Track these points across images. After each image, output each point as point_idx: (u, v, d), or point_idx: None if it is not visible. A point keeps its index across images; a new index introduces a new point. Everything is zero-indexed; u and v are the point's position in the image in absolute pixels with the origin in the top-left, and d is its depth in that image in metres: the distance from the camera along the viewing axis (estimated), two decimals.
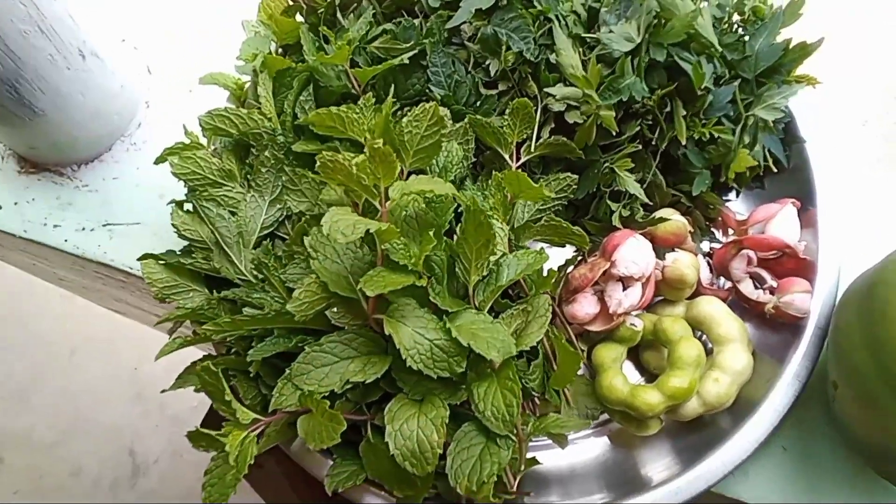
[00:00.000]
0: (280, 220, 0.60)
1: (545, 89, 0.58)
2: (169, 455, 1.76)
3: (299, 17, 0.70)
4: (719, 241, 0.68)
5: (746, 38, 0.60)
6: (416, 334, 0.48)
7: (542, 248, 0.55)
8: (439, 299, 0.49)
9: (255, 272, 0.56)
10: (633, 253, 0.57)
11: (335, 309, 0.50)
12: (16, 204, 0.75)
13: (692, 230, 0.63)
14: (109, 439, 1.85)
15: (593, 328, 0.59)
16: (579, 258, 0.62)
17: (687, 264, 0.59)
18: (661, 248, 0.64)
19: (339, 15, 0.67)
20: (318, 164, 0.48)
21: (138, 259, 0.60)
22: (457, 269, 0.52)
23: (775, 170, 0.64)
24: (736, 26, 0.63)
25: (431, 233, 0.48)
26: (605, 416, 0.61)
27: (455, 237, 0.51)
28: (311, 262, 0.50)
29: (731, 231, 0.66)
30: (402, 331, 0.47)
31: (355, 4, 0.68)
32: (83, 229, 0.74)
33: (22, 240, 0.74)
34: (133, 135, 0.77)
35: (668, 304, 0.62)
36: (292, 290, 0.52)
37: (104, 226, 0.74)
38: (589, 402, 0.61)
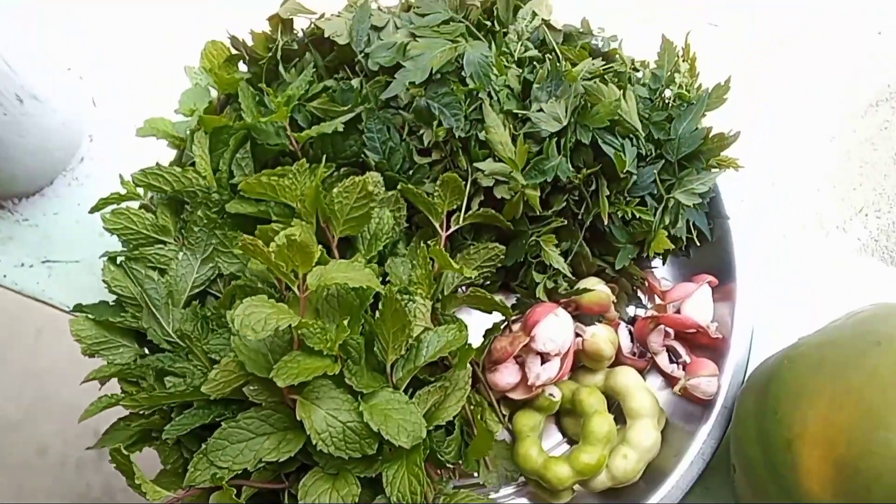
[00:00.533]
0: (212, 278, 0.61)
1: (475, 164, 0.60)
2: None
3: (242, 66, 0.70)
4: (645, 307, 0.70)
5: (675, 115, 0.62)
6: (330, 416, 0.49)
7: (461, 324, 0.57)
8: (355, 380, 0.51)
9: (180, 339, 0.57)
10: (551, 330, 0.59)
11: (252, 386, 0.51)
12: None
13: (615, 300, 0.65)
14: (75, 419, 1.86)
15: (514, 396, 0.62)
16: (504, 325, 0.64)
17: (604, 339, 0.61)
18: (586, 315, 0.66)
19: (281, 68, 0.67)
20: (240, 244, 0.49)
21: (71, 310, 0.61)
22: (375, 348, 0.53)
23: (698, 243, 0.66)
24: (668, 101, 0.64)
25: (347, 322, 0.49)
26: None
27: (376, 314, 0.53)
28: (232, 339, 0.51)
29: (656, 298, 0.69)
30: (315, 414, 0.49)
31: (297, 58, 0.68)
32: (22, 265, 0.74)
33: None
34: (76, 169, 0.77)
35: (588, 371, 0.65)
36: (215, 360, 0.53)
37: (43, 262, 0.74)
38: (508, 464, 0.63)
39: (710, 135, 0.60)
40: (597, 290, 0.63)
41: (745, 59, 1.61)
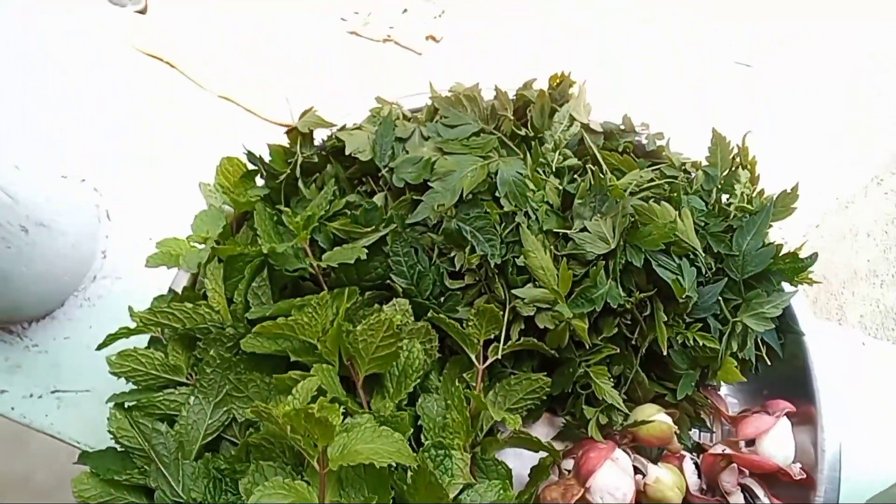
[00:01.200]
0: (226, 423, 0.55)
1: (513, 290, 0.54)
2: None
3: (260, 181, 0.65)
4: (711, 430, 0.62)
5: (735, 226, 0.55)
6: None
7: (505, 478, 0.50)
8: None
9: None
10: (609, 480, 0.51)
11: None
12: None
13: (678, 430, 0.58)
14: None
15: None
16: (551, 465, 0.57)
17: (670, 486, 0.53)
18: (644, 447, 0.59)
19: (300, 183, 0.63)
20: (251, 410, 0.44)
21: (78, 459, 0.56)
22: None
23: (769, 362, 0.59)
24: (726, 206, 0.58)
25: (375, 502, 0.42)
26: None
27: (407, 478, 0.46)
28: None
29: (723, 420, 0.61)
30: None
31: (318, 171, 0.64)
32: (31, 396, 0.69)
33: None
34: (87, 289, 0.73)
35: None
36: None
37: (52, 392, 0.69)
38: None
39: (781, 253, 0.53)
40: (657, 420, 0.56)
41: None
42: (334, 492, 0.45)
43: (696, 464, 0.58)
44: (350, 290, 0.57)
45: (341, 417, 0.43)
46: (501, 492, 0.48)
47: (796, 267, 0.51)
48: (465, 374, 0.56)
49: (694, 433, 0.62)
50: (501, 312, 0.54)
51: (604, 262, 0.52)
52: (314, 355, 0.53)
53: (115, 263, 0.75)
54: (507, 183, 0.53)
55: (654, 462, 0.60)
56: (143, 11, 1.28)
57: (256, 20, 1.26)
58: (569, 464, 0.56)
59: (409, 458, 0.43)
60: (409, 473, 0.46)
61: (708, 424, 0.62)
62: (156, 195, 0.78)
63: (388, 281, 0.58)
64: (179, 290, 0.62)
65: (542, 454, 0.57)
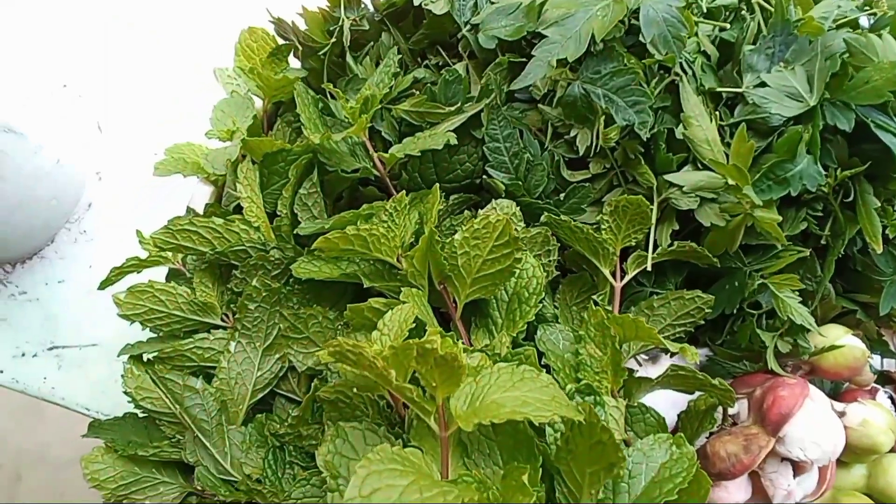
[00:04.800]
0: (281, 374, 0.42)
1: (664, 176, 0.39)
2: None
3: (294, 60, 0.50)
4: (894, 353, 0.49)
5: None
6: None
7: (678, 436, 0.36)
8: None
9: (246, 485, 0.37)
10: (811, 429, 0.38)
11: None
12: None
13: (871, 356, 0.44)
14: None
15: None
16: (713, 409, 0.43)
17: (883, 429, 0.40)
18: (825, 379, 0.45)
19: (348, 58, 0.47)
20: (329, 350, 0.30)
21: (84, 436, 0.42)
22: (557, 494, 0.33)
23: None
24: None
25: (526, 476, 0.28)
26: None
27: (557, 438, 0.33)
28: (330, 497, 0.31)
29: None
30: None
31: (370, 43, 0.48)
32: (23, 355, 0.56)
33: None
34: (82, 220, 0.58)
35: (841, 465, 0.43)
36: None
37: (50, 349, 0.56)
38: None
39: None
40: (847, 345, 0.42)
41: None
42: (457, 461, 0.31)
43: (892, 398, 0.45)
44: (433, 192, 0.42)
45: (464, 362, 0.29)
46: (674, 448, 0.34)
47: None
48: (594, 297, 0.42)
49: (875, 360, 0.49)
50: (650, 207, 0.39)
51: (794, 128, 0.37)
52: (395, 278, 0.39)
53: (114, 185, 0.60)
54: (656, 23, 0.38)
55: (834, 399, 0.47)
56: None
57: None
58: (734, 408, 0.43)
59: (572, 409, 0.29)
60: (560, 432, 0.32)
61: (892, 348, 0.48)
62: (157, 99, 0.62)
63: (483, 178, 0.43)
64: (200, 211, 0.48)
65: (688, 396, 0.43)
